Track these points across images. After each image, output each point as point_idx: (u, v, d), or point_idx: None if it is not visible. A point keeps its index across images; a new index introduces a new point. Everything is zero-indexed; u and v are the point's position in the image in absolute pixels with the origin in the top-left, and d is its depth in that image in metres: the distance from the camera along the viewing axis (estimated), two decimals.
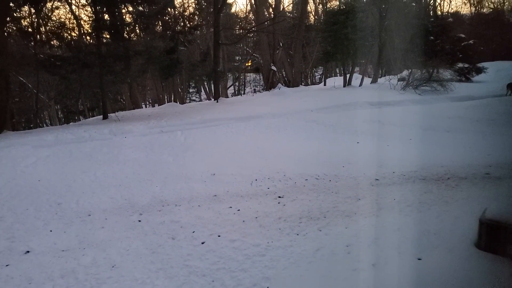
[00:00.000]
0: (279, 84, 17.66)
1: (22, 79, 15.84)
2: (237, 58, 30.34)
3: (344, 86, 16.34)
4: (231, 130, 7.86)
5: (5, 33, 11.12)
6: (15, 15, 11.36)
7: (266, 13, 19.92)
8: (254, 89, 29.18)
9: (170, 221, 3.70)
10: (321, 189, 4.39)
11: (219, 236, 3.33)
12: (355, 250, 2.95)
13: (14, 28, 11.68)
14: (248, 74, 32.84)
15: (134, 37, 13.45)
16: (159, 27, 13.52)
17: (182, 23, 14.37)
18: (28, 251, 3.25)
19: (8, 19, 10.92)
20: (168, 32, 13.09)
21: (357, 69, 20.58)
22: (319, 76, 31.95)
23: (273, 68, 17.91)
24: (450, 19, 22.29)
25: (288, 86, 17.92)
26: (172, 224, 3.64)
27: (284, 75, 20.20)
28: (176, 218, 3.77)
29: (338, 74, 28.84)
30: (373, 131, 7.61)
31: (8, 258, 3.14)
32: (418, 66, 15.47)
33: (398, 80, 15.19)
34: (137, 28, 12.92)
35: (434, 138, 7.04)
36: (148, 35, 12.75)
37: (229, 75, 28.42)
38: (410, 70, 15.52)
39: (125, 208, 4.10)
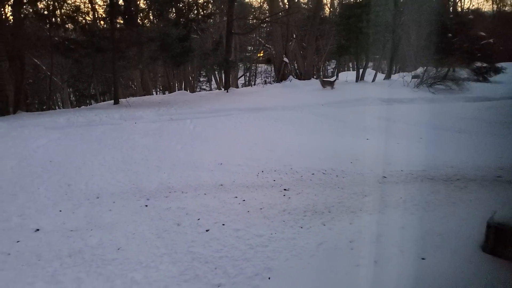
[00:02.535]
0: (291, 76, 17.54)
1: (36, 61, 16.00)
2: (249, 48, 30.17)
3: (357, 81, 16.16)
4: (240, 121, 7.87)
5: (21, 15, 11.22)
6: None
7: (280, 3, 19.70)
8: (265, 81, 29.07)
9: (176, 208, 3.75)
10: (327, 184, 4.39)
11: (223, 224, 3.37)
12: (358, 246, 2.95)
13: (30, 10, 11.75)
14: (260, 65, 32.66)
15: (148, 23, 13.45)
16: (173, 14, 13.47)
17: (195, 11, 14.29)
18: (38, 229, 3.33)
19: (24, 1, 11.00)
20: (181, 19, 13.04)
21: (370, 64, 20.31)
22: (332, 70, 31.64)
23: (285, 59, 17.78)
24: (470, 16, 21.77)
25: (300, 79, 17.79)
26: (178, 210, 3.69)
27: (296, 67, 20.04)
28: (182, 205, 3.82)
29: (351, 69, 28.54)
30: (383, 128, 7.54)
31: (19, 234, 3.22)
32: (434, 64, 15.20)
33: (412, 77, 14.97)
34: (150, 14, 12.92)
35: (445, 138, 6.96)
36: (162, 22, 12.73)
37: (240, 65, 28.30)
38: (425, 67, 15.26)
39: (133, 193, 4.16)
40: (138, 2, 12.58)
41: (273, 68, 24.39)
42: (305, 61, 19.61)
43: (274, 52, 19.25)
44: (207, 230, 3.27)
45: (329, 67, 33.06)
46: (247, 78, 30.00)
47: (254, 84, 26.69)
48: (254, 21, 23.39)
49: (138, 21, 11.96)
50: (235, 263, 2.77)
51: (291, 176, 4.67)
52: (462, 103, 11.14)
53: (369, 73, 17.67)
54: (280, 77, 17.78)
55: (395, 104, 10.48)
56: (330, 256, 2.84)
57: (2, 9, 11.13)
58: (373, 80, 16.15)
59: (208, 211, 3.65)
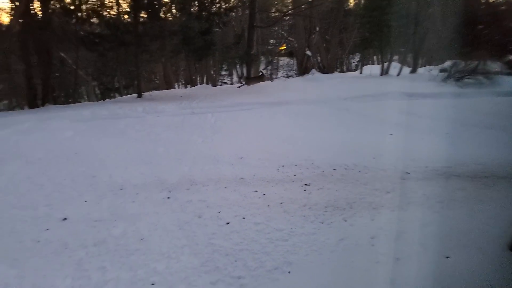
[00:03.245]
0: (313, 70, 17.35)
1: (63, 55, 16.45)
2: (271, 41, 29.96)
3: (381, 75, 15.82)
4: (260, 115, 7.86)
5: (49, 10, 11.55)
6: None
7: None
8: (287, 74, 28.84)
9: (197, 200, 3.79)
10: (349, 180, 4.33)
11: (243, 218, 3.38)
12: (380, 243, 2.90)
13: (58, 5, 12.09)
14: (282, 58, 32.40)
15: (170, 17, 13.56)
16: (195, 8, 13.53)
17: (218, 4, 14.30)
18: (65, 219, 3.44)
19: None
20: (203, 13, 13.10)
21: (395, 57, 19.81)
22: (356, 63, 31.06)
23: (308, 53, 17.59)
24: (503, 7, 20.84)
25: (323, 72, 17.57)
26: (199, 203, 3.73)
27: (319, 61, 19.79)
28: (203, 197, 3.85)
29: (376, 62, 27.92)
30: (407, 123, 7.35)
31: (48, 223, 3.35)
32: (463, 57, 14.66)
33: (439, 71, 14.50)
34: (173, 8, 13.02)
35: (473, 134, 6.71)
36: (184, 16, 12.82)
37: (262, 59, 28.18)
38: (453, 60, 14.75)
39: (155, 185, 4.23)
40: None
41: (295, 62, 24.15)
42: (328, 54, 19.34)
43: (296, 45, 19.09)
44: (227, 223, 3.29)
45: (353, 61, 32.46)
46: (269, 72, 29.86)
47: (276, 78, 26.54)
48: (277, 14, 23.18)
49: (161, 15, 12.08)
50: (255, 256, 2.78)
51: (312, 171, 4.63)
52: (492, 98, 10.71)
53: (394, 66, 17.24)
54: (303, 70, 17.61)
55: (421, 98, 10.20)
56: (351, 252, 2.81)
57: (31, 5, 11.47)
58: (398, 74, 15.77)
59: (228, 204, 3.67)
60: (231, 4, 15.87)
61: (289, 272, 2.59)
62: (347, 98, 10.00)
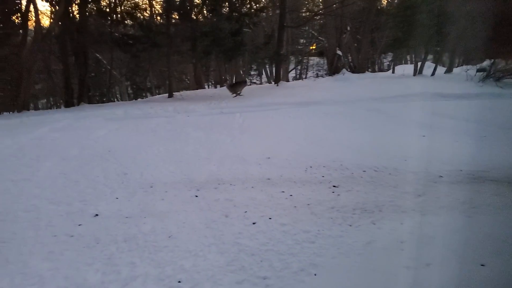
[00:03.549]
0: (344, 70, 17.06)
1: (98, 55, 17.11)
2: (301, 41, 29.75)
3: (415, 75, 15.34)
4: (289, 115, 7.83)
5: (86, 13, 12.04)
6: None
7: None
8: (317, 74, 28.56)
9: (224, 199, 3.83)
10: (378, 182, 4.23)
11: (270, 218, 3.38)
12: (409, 248, 2.82)
13: (94, 8, 12.59)
14: (312, 58, 32.09)
15: (201, 18, 13.78)
16: (226, 9, 13.68)
17: (248, 5, 14.38)
18: (97, 214, 3.57)
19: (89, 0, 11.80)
20: (234, 13, 13.22)
21: (430, 57, 19.15)
22: (388, 63, 30.30)
23: (339, 52, 17.32)
24: None
25: (353, 72, 17.26)
26: (226, 202, 3.77)
27: (350, 61, 19.46)
28: (230, 197, 3.89)
29: (409, 62, 27.12)
30: (441, 125, 7.10)
31: (81, 218, 3.48)
32: (503, 56, 13.96)
33: (476, 71, 13.89)
34: (204, 9, 13.21)
35: None
36: (215, 17, 12.99)
37: (292, 59, 28.03)
38: (492, 60, 14.07)
39: (184, 183, 4.31)
40: None
41: (325, 61, 23.87)
42: (359, 54, 18.98)
43: (327, 44, 18.87)
44: (254, 223, 3.30)
45: (385, 60, 31.69)
46: (299, 72, 29.66)
47: (306, 78, 26.33)
48: (307, 13, 22.99)
49: (192, 16, 12.30)
50: (281, 257, 2.77)
51: (340, 173, 4.56)
52: None
53: (428, 66, 16.68)
54: (333, 70, 17.37)
55: (456, 99, 9.81)
56: (379, 256, 2.75)
57: (69, 8, 12.02)
58: (433, 73, 15.23)
59: (255, 204, 3.68)
60: (261, 5, 15.93)
61: (315, 275, 2.56)
62: (378, 98, 9.78)
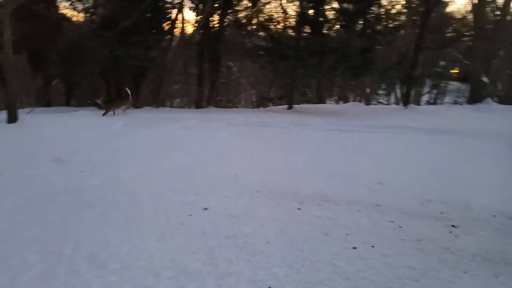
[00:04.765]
0: (488, 99, 14.92)
1: (230, 63, 18.64)
2: (441, 63, 27.09)
3: None
4: (412, 141, 7.20)
5: (224, 24, 13.26)
6: (235, 8, 13.41)
7: (490, 15, 16.88)
8: (455, 101, 25.61)
9: (326, 217, 3.73)
10: (510, 231, 3.55)
11: (372, 246, 3.15)
12: None
13: (232, 19, 13.81)
14: (451, 83, 28.91)
15: (332, 33, 13.78)
16: (359, 25, 13.39)
17: (384, 22, 13.79)
18: (206, 208, 3.86)
19: (229, 11, 12.97)
20: (368, 30, 12.85)
21: None
22: None
23: (485, 79, 15.24)
24: None
25: (501, 103, 14.94)
26: (328, 220, 3.66)
27: (498, 90, 16.92)
28: (333, 216, 3.76)
29: None
30: None
31: (192, 209, 3.82)
32: None
33: None
34: (336, 25, 13.19)
35: None
36: (346, 33, 12.85)
37: (427, 81, 25.75)
38: None
39: (289, 194, 4.35)
40: (327, 13, 13.03)
41: (467, 88, 21.27)
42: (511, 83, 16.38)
43: (471, 69, 16.76)
44: (354, 248, 3.13)
45: None
46: (434, 96, 27.08)
47: (441, 103, 23.89)
48: (452, 34, 20.84)
49: (324, 31, 12.41)
50: None
51: (463, 213, 3.98)
52: None
53: None
54: (475, 98, 15.34)
55: None
56: None
57: (211, 18, 13.42)
58: None
59: (358, 229, 3.48)
60: (399, 23, 15.11)
61: None
62: None
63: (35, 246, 2.96)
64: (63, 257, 2.82)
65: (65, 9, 13.45)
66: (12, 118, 6.49)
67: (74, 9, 13.09)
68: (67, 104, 16.16)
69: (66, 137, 6.00)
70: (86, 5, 12.93)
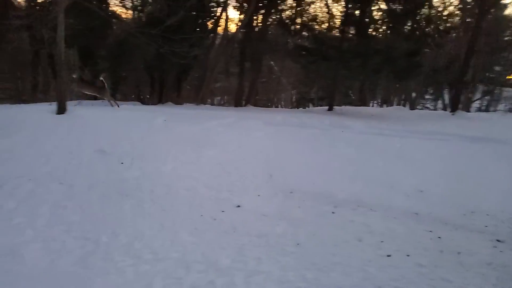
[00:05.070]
0: None
1: (272, 63, 18.63)
2: (496, 68, 25.39)
3: None
4: (457, 149, 6.82)
5: (267, 23, 13.26)
6: (279, 7, 13.37)
7: None
8: (510, 108, 23.94)
9: (360, 223, 3.66)
10: None
11: (407, 255, 3.05)
12: None
13: (275, 18, 13.77)
14: (507, 89, 27.02)
15: (378, 35, 13.36)
16: (406, 27, 12.86)
17: (434, 24, 13.15)
18: (239, 206, 3.92)
19: (272, 10, 12.95)
20: (416, 32, 12.32)
21: None
22: None
23: None
24: None
25: None
26: (362, 226, 3.59)
27: None
28: (368, 222, 3.68)
29: None
30: None
31: (225, 206, 3.88)
32: None
33: None
34: (383, 26, 12.78)
35: None
36: (392, 35, 12.40)
37: (479, 87, 24.22)
38: None
39: (323, 196, 4.30)
40: (374, 14, 12.66)
41: None
42: None
43: None
44: (388, 255, 3.04)
45: None
46: (486, 103, 25.43)
47: (494, 111, 22.40)
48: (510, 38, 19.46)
49: (369, 32, 12.07)
50: None
51: (509, 227, 3.73)
52: None
53: None
54: None
55: None
56: None
57: (254, 17, 13.47)
58: None
59: (393, 236, 3.38)
60: (450, 25, 14.37)
61: None
62: None
63: (75, 232, 3.14)
64: (100, 244, 2.97)
65: (115, 6, 14.09)
66: (61, 110, 6.88)
67: (124, 6, 13.66)
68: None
69: (109, 129, 6.28)
70: (135, 2, 13.44)
